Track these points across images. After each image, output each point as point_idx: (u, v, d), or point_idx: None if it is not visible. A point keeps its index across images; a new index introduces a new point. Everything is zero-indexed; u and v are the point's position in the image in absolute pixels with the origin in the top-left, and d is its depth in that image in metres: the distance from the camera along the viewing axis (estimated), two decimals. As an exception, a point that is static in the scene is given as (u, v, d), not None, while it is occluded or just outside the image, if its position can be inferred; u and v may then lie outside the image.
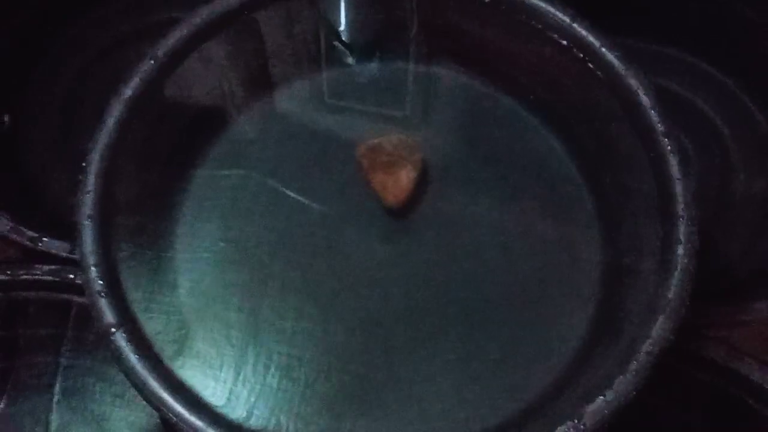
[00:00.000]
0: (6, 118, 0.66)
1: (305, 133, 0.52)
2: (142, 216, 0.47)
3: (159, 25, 0.71)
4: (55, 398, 0.56)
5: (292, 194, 0.50)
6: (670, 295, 0.41)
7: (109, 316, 0.41)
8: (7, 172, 0.66)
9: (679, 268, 0.41)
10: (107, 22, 0.73)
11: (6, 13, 0.67)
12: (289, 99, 0.53)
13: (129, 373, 0.40)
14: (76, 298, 0.56)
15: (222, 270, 0.47)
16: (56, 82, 0.71)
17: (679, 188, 0.43)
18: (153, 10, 0.74)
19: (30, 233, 0.54)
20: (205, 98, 0.52)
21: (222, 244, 0.48)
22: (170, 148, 0.51)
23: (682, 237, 0.42)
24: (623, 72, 0.46)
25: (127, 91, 0.46)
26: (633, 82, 0.46)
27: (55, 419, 0.56)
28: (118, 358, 0.40)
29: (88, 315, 0.42)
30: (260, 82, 0.54)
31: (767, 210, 0.65)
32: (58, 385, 0.57)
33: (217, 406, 0.42)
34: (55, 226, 0.57)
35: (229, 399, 0.43)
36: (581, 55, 0.48)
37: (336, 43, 0.54)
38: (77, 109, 0.70)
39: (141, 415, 0.56)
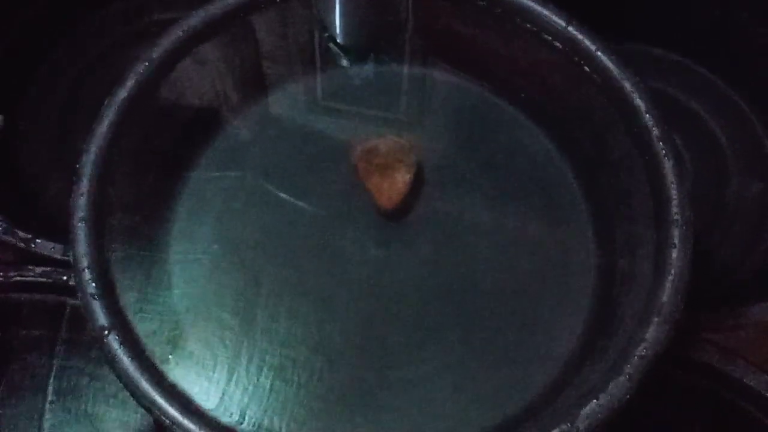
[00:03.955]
0: (0, 120, 0.66)
1: (300, 136, 0.52)
2: (136, 218, 0.47)
3: (158, 27, 0.71)
4: (49, 399, 0.56)
5: (286, 196, 0.50)
6: (665, 298, 0.41)
7: (101, 318, 0.41)
8: (3, 173, 0.66)
9: (673, 272, 0.41)
10: (106, 26, 0.73)
11: (5, 16, 0.67)
12: (284, 101, 0.53)
13: (122, 376, 0.40)
14: (70, 300, 0.56)
15: (215, 272, 0.47)
16: (55, 85, 0.71)
17: (674, 192, 0.43)
18: (152, 13, 0.74)
19: (23, 235, 0.54)
20: (199, 100, 0.52)
21: (216, 246, 0.48)
22: (165, 150, 0.50)
23: (676, 241, 0.42)
24: (619, 75, 0.46)
25: (122, 93, 0.46)
26: (628, 86, 0.46)
27: (48, 420, 0.56)
28: (110, 361, 0.40)
29: (81, 316, 0.42)
30: (255, 84, 0.54)
31: (763, 214, 0.65)
32: (51, 386, 0.56)
33: (209, 408, 0.41)
34: (52, 228, 0.56)
35: (221, 401, 0.43)
36: (577, 59, 0.48)
37: (331, 45, 0.54)
38: (75, 111, 0.70)
39: (134, 415, 0.56)
